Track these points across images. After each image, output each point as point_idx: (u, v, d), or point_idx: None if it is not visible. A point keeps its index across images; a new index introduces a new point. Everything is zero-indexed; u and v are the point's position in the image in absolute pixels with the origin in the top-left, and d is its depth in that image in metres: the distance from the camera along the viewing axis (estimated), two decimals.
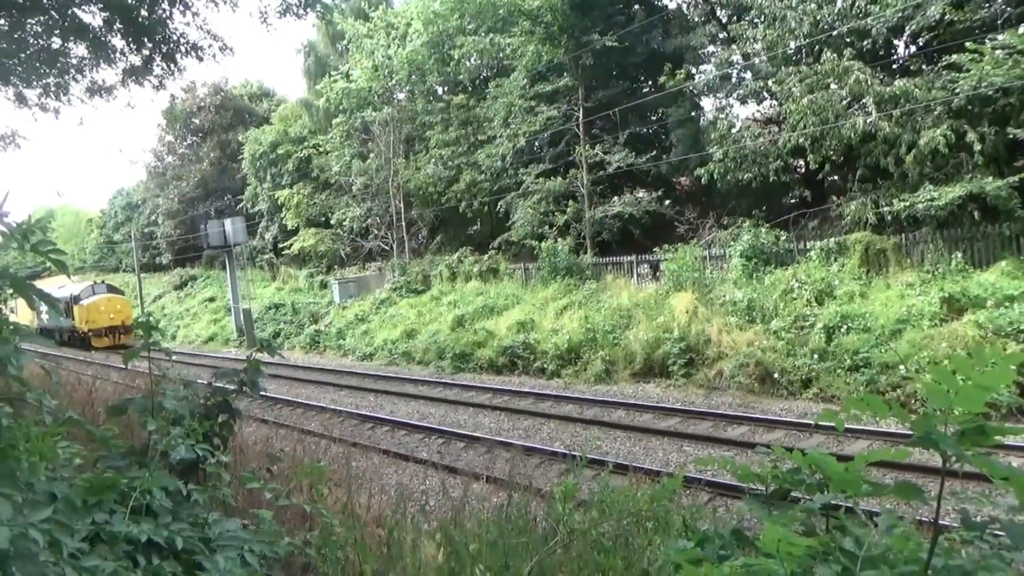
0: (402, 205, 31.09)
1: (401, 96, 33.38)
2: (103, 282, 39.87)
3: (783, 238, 17.83)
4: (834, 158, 17.81)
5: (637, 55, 24.35)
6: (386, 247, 32.35)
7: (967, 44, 14.82)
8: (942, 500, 1.69)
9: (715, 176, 19.43)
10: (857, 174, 17.29)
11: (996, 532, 1.84)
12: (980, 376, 1.52)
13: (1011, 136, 14.08)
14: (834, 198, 18.86)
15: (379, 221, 32.59)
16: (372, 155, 32.15)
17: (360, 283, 30.65)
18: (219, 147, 47.33)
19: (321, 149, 35.53)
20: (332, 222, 34.61)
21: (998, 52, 14.58)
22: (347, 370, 21.23)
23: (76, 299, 35.23)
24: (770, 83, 19.79)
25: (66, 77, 12.05)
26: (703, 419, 12.04)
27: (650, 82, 25.04)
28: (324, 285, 33.78)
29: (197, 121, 49.34)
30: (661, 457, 10.23)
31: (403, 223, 31.24)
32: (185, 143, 51.50)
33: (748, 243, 17.69)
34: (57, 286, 32.46)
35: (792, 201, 19.95)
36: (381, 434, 13.05)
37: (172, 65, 11.95)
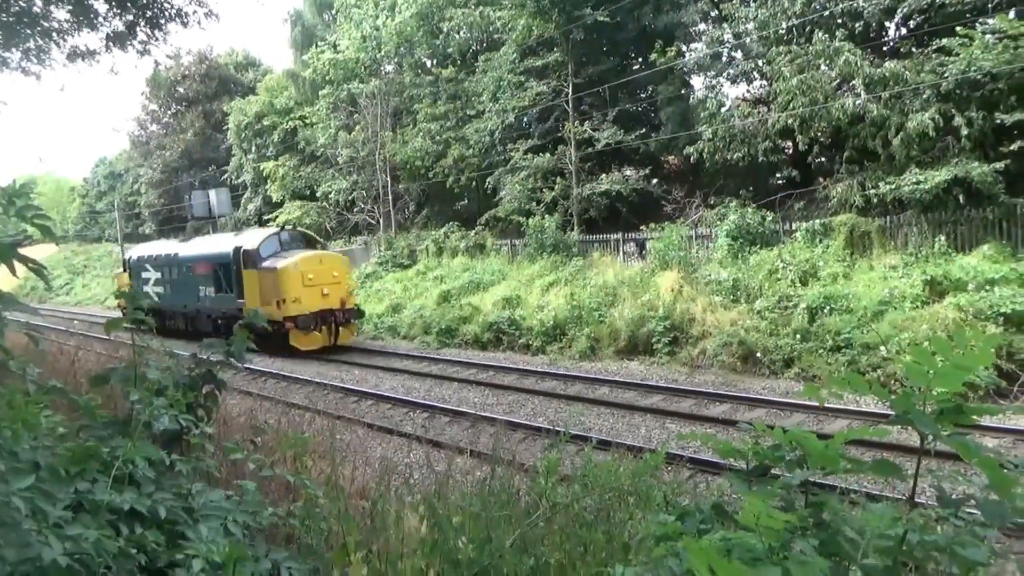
0: (388, 179, 30.87)
1: (389, 68, 33.00)
2: (294, 227, 24.79)
3: (769, 219, 17.89)
4: (822, 139, 17.85)
5: (628, 31, 24.17)
6: (372, 221, 32.17)
7: (957, 28, 14.83)
8: (919, 478, 1.72)
9: (703, 155, 19.42)
10: (844, 156, 17.34)
11: (971, 510, 1.88)
12: (959, 357, 1.54)
13: (998, 121, 14.14)
14: (821, 180, 18.93)
15: (365, 195, 32.37)
16: (359, 128, 31.84)
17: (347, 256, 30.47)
18: (203, 117, 46.70)
19: (307, 121, 35.14)
20: (318, 195, 34.35)
21: (988, 37, 14.60)
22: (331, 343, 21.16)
23: (252, 260, 19.58)
24: (761, 63, 19.74)
25: (48, 41, 11.81)
26: (686, 397, 12.14)
27: (640, 59, 24.88)
28: None
29: (181, 90, 48.60)
30: (644, 434, 10.33)
31: (389, 197, 31.04)
32: (169, 112, 50.77)
33: (734, 223, 17.75)
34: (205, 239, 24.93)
35: (779, 182, 19.99)
36: (366, 408, 13.07)
37: (156, 30, 11.76)
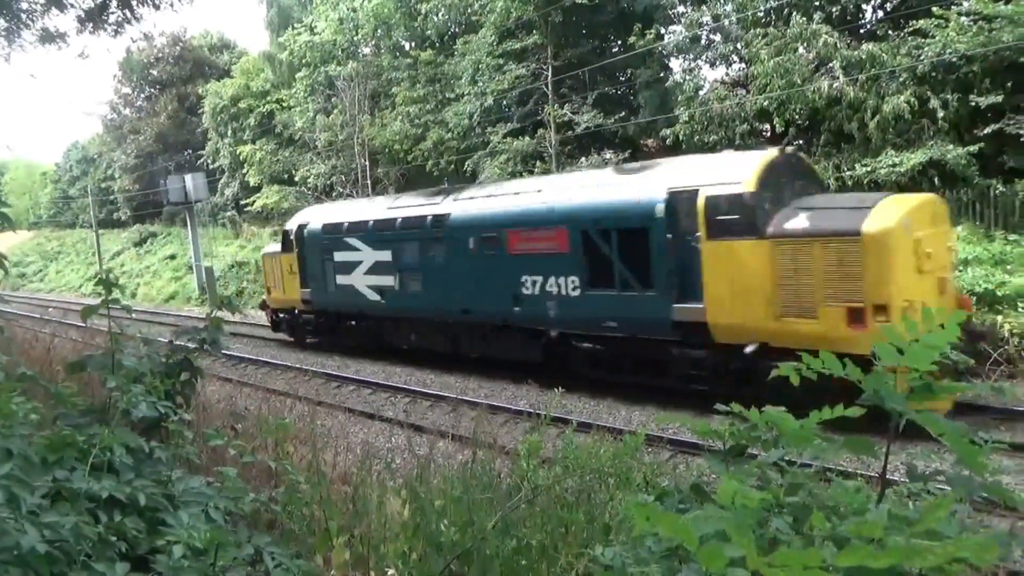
0: (367, 163, 30.64)
1: (367, 51, 32.63)
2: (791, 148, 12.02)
3: None
4: (799, 122, 17.94)
5: (607, 13, 24.07)
6: None
7: (933, 10, 14.93)
8: (890, 455, 1.75)
9: (681, 138, 19.46)
10: (821, 138, 17.47)
11: (941, 486, 1.93)
12: (928, 336, 1.57)
13: (973, 104, 14.30)
14: None
15: (344, 179, 32.10)
16: (337, 111, 31.53)
17: None
18: (178, 100, 45.94)
19: (284, 104, 34.71)
20: (296, 179, 34.01)
21: (963, 19, 14.72)
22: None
23: (746, 216, 9.37)
24: (739, 46, 19.77)
25: (17, 22, 11.54)
26: None
27: (619, 42, 24.81)
28: None
29: (155, 73, 47.74)
30: (624, 415, 10.41)
31: (368, 181, 30.82)
32: (142, 95, 49.88)
33: None
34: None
35: None
36: (347, 393, 13.06)
37: (129, 11, 11.52)
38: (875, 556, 1.10)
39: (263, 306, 19.80)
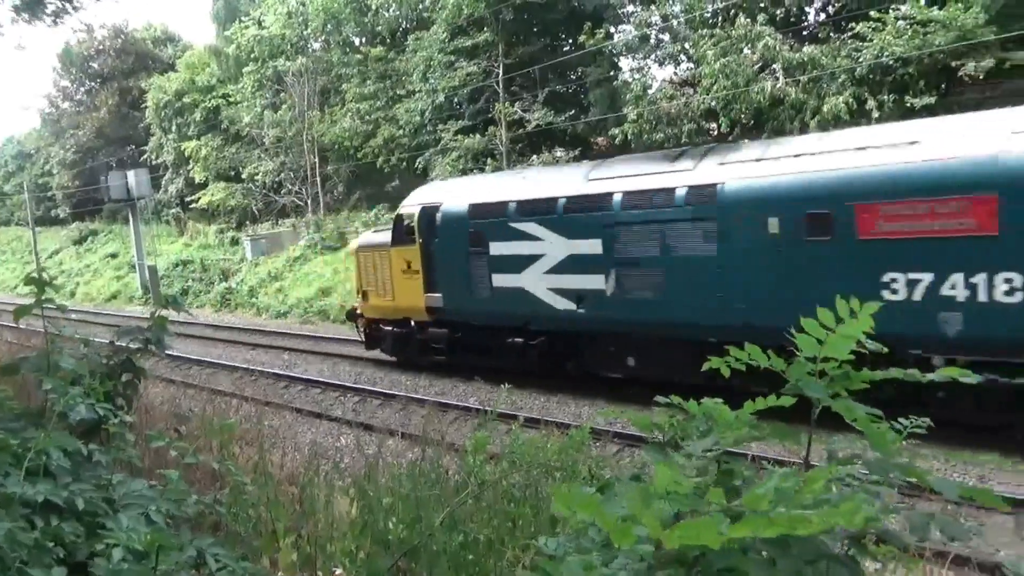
0: (317, 159, 30.26)
1: (316, 46, 32.23)
2: None
3: None
4: (744, 121, 18.35)
5: (558, 12, 24.24)
6: (300, 203, 31.52)
7: (871, 14, 15.43)
8: (813, 442, 1.84)
9: (629, 136, 19.72)
10: (765, 137, 17.88)
11: (865, 471, 2.03)
12: (843, 327, 1.66)
13: (908, 104, 14.83)
14: None
15: (293, 176, 31.65)
16: (285, 107, 31.05)
17: (273, 240, 29.83)
18: (119, 94, 44.64)
19: (231, 99, 34.03)
20: (243, 176, 33.39)
21: (900, 23, 15.25)
22: (260, 328, 20.77)
23: None
24: (687, 46, 20.12)
25: None
26: None
27: (570, 40, 25.01)
28: (235, 241, 32.70)
29: (95, 66, 46.32)
30: (573, 410, 10.53)
31: (318, 178, 30.45)
32: (83, 89, 48.36)
33: None
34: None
35: None
36: (295, 393, 12.91)
37: (67, 1, 11.18)
38: (765, 526, 1.18)
39: (351, 315, 15.15)
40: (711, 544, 1.21)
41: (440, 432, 6.36)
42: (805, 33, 19.04)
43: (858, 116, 15.67)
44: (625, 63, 24.03)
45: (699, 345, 8.76)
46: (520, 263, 11.34)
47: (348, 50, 30.85)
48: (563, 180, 11.52)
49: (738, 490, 2.14)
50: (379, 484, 4.70)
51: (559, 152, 22.74)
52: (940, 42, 14.26)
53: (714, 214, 9.23)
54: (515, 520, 3.76)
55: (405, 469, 5.00)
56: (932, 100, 14.62)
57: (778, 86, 16.70)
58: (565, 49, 25.16)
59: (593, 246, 10.43)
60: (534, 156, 22.79)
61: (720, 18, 19.13)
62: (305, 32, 31.03)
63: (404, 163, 26.96)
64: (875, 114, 15.07)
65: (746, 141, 11.29)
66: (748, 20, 17.63)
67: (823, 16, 19.13)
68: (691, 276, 9.48)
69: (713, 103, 17.93)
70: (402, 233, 13.13)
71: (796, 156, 8.98)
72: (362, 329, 14.70)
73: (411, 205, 13.36)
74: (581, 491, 1.35)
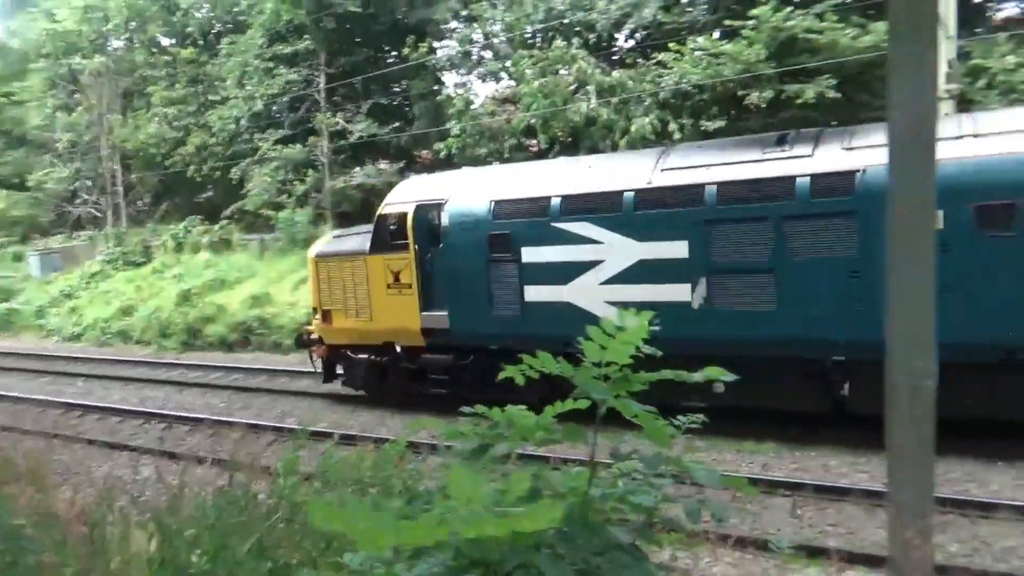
0: (118, 167, 27.89)
1: (118, 44, 29.78)
2: None
3: None
4: (562, 139, 19.19)
5: (381, 23, 24.10)
6: (99, 214, 28.85)
7: (670, 44, 16.74)
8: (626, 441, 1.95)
9: (453, 151, 19.99)
10: (581, 155, 18.82)
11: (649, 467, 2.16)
12: (623, 334, 1.76)
13: (703, 128, 16.20)
14: None
15: (91, 184, 28.94)
16: (82, 109, 28.38)
17: (66, 254, 27.12)
18: None
19: (15, 98, 30.59)
20: (30, 184, 30.04)
21: (697, 53, 16.65)
22: (49, 353, 18.74)
23: None
24: (508, 64, 20.75)
25: None
26: None
27: (394, 53, 24.94)
28: (19, 257, 29.32)
29: None
30: (394, 427, 10.42)
31: (119, 187, 28.07)
32: None
33: None
34: None
35: None
36: (90, 423, 11.74)
37: None
38: (490, 526, 1.31)
39: (303, 342, 12.30)
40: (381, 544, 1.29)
41: (254, 456, 6.04)
42: (615, 58, 20.28)
43: (662, 137, 16.93)
44: (449, 78, 24.37)
45: (813, 364, 8.19)
46: (566, 272, 9.43)
47: (155, 50, 28.80)
48: (626, 171, 9.56)
49: (539, 491, 2.21)
50: (182, 516, 4.40)
51: (383, 165, 22.55)
52: (728, 72, 15.73)
53: (852, 207, 7.75)
54: (329, 540, 3.65)
55: (212, 497, 4.71)
56: (723, 124, 16.08)
57: (591, 107, 17.64)
58: (389, 61, 25.03)
59: (676, 249, 8.75)
60: (357, 168, 22.43)
61: (539, 39, 19.91)
62: (105, 28, 28.57)
63: (218, 173, 25.51)
64: (676, 135, 16.32)
65: (842, 128, 9.33)
66: (565, 43, 18.49)
67: (631, 43, 20.48)
68: (816, 282, 7.99)
69: (533, 120, 18.59)
70: (387, 237, 10.73)
71: (956, 139, 7.62)
72: (321, 358, 11.92)
73: (400, 203, 10.91)
74: (329, 504, 1.34)
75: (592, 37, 19.18)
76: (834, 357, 7.93)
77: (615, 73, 17.89)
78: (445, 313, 10.31)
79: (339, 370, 11.81)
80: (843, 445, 8.14)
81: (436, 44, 23.35)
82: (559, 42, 18.53)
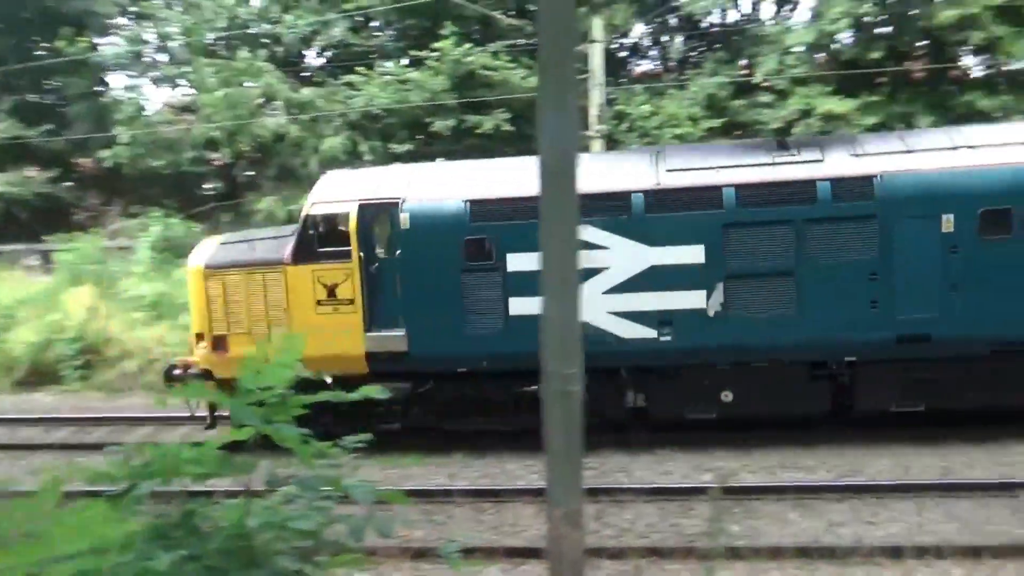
0: None
1: None
2: None
3: (198, 230, 17.56)
4: (249, 154, 18.37)
5: (28, 10, 20.92)
6: None
7: (357, 68, 17.00)
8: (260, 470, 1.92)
9: (124, 159, 18.08)
10: (270, 172, 18.18)
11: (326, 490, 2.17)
12: (279, 357, 1.78)
13: (391, 151, 16.63)
14: (249, 193, 19.44)
15: None
16: None
17: None
18: None
19: None
20: None
21: (386, 78, 17.09)
22: None
23: None
24: (187, 70, 19.33)
25: None
26: (101, 425, 11.08)
27: (46, 44, 21.74)
28: None
29: None
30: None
31: None
32: None
33: (158, 234, 16.87)
34: None
35: (209, 192, 19.84)
36: None
37: None
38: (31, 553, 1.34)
39: (175, 377, 9.48)
40: None
41: None
42: (306, 75, 19.97)
43: (353, 157, 17.05)
44: (115, 79, 21.93)
45: (821, 366, 8.42)
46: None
47: None
48: (629, 171, 8.86)
49: (197, 528, 2.10)
50: None
51: (32, 172, 19.57)
52: (415, 99, 16.41)
53: (872, 211, 8.05)
54: None
55: None
56: (412, 147, 16.70)
57: (280, 122, 17.15)
58: (38, 54, 21.74)
59: (691, 254, 8.31)
60: None
61: (223, 46, 18.83)
62: None
63: None
64: (367, 156, 16.56)
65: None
66: (251, 53, 17.75)
67: (322, 60, 20.34)
68: (836, 285, 8.12)
69: (216, 132, 17.51)
70: (314, 243, 8.94)
71: (972, 148, 8.20)
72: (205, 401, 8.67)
73: (336, 201, 9.06)
74: None
75: (280, 50, 18.69)
76: (847, 357, 8.29)
77: (305, 90, 17.63)
78: (402, 333, 8.85)
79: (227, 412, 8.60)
80: (523, 450, 8.56)
81: (98, 40, 20.88)
82: (244, 52, 17.73)
